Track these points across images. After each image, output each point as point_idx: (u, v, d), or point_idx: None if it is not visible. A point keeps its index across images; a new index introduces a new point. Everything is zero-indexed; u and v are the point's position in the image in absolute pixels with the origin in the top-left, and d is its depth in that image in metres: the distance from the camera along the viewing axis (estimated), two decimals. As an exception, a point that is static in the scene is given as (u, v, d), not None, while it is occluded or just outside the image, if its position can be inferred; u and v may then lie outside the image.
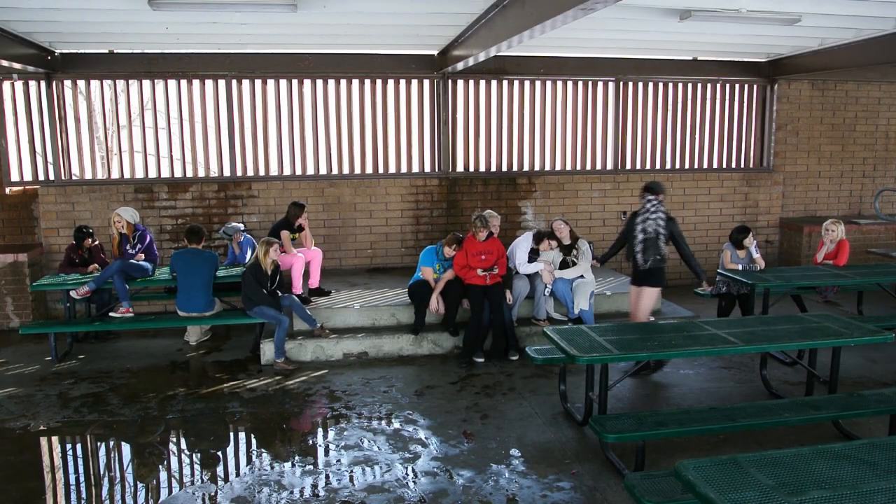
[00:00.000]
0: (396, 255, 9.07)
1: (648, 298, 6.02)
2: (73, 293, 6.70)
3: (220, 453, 4.86)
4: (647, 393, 5.86)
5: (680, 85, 9.62)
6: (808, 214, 10.28)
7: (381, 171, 8.99)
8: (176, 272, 6.77)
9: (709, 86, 9.71)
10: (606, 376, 4.69)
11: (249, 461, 4.74)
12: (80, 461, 4.84)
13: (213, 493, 4.27)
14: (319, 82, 8.69)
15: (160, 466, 4.66)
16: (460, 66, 7.93)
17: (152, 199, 8.46)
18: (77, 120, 8.39)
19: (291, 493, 4.25)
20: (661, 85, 9.57)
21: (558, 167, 9.45)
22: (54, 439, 5.12)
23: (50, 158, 8.32)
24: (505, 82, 9.10)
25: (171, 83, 8.43)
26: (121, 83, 8.99)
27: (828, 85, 10.01)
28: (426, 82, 8.92)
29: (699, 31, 7.33)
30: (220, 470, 4.61)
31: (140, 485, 4.40)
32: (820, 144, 10.18)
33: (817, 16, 6.54)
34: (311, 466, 4.61)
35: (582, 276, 6.96)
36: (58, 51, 7.97)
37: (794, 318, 5.39)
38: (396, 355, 6.85)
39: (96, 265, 7.15)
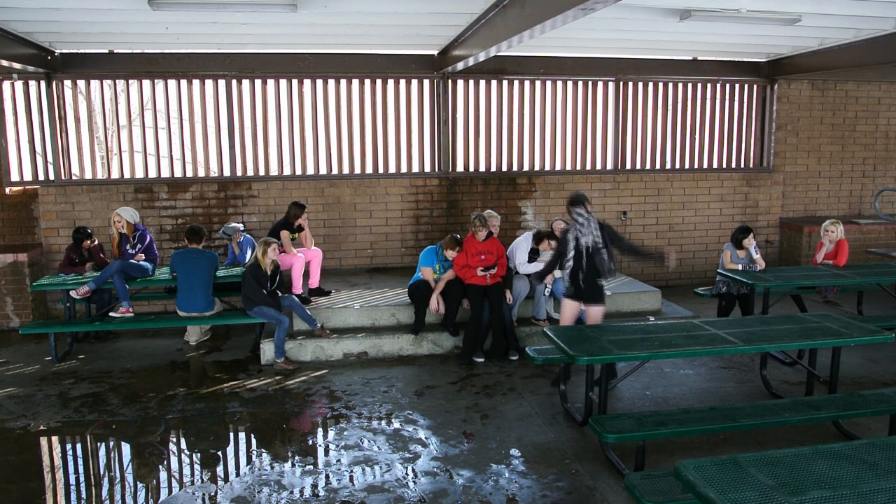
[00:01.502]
0: (396, 255, 9.07)
1: (594, 318, 5.66)
2: (73, 293, 6.70)
3: (220, 453, 4.86)
4: (646, 393, 5.87)
5: (680, 85, 9.62)
6: (808, 214, 10.29)
7: (381, 171, 8.99)
8: (176, 272, 6.77)
9: (709, 86, 9.71)
10: (606, 376, 4.69)
11: (249, 461, 4.74)
12: (80, 461, 4.84)
13: (213, 493, 4.27)
14: (319, 82, 8.69)
15: (160, 466, 4.66)
16: (460, 66, 7.93)
17: (152, 199, 8.46)
18: (77, 120, 8.39)
19: (291, 493, 4.25)
20: (661, 85, 9.57)
21: (558, 167, 9.45)
22: (54, 439, 5.12)
23: (50, 158, 8.31)
24: (505, 82, 9.10)
25: (171, 83, 8.43)
26: (121, 83, 8.99)
27: (828, 85, 10.01)
28: (426, 82, 8.92)
29: (699, 31, 7.33)
30: (220, 470, 4.61)
31: (140, 485, 4.40)
32: (820, 144, 10.18)
33: (817, 16, 6.54)
34: (311, 466, 4.61)
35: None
36: (58, 51, 7.97)
37: (794, 318, 5.39)
38: (396, 355, 6.85)
39: (95, 266, 7.15)
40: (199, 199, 8.56)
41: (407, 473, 4.49)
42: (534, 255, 7.08)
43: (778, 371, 6.32)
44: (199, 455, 4.82)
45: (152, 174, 8.68)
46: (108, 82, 10.08)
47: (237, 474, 4.53)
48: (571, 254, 5.56)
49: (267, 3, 5.68)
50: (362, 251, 9.01)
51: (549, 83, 9.22)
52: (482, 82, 9.05)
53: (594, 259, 5.50)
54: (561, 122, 9.35)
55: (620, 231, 5.53)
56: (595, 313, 5.67)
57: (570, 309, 5.75)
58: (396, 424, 5.26)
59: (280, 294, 6.65)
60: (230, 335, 7.70)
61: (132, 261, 6.86)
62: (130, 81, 8.86)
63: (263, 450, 4.90)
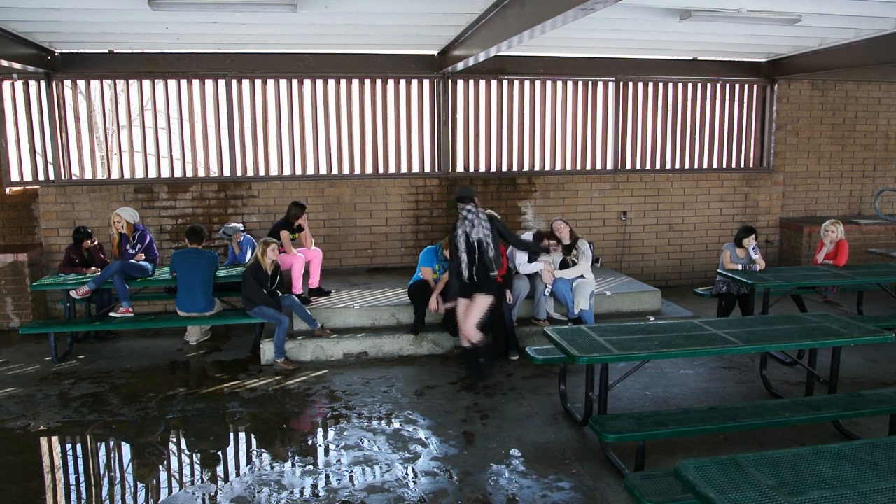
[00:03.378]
0: (396, 255, 9.07)
1: (482, 307, 5.70)
2: (73, 293, 6.70)
3: (220, 453, 4.86)
4: (646, 393, 5.86)
5: (680, 85, 9.62)
6: (808, 214, 10.29)
7: (381, 171, 8.99)
8: (176, 272, 6.78)
9: (709, 86, 9.71)
10: (606, 376, 4.69)
11: (249, 461, 4.74)
12: (80, 461, 4.84)
13: (213, 493, 4.27)
14: (319, 82, 8.69)
15: (160, 466, 4.66)
16: (460, 66, 7.93)
17: (152, 199, 8.46)
18: (77, 120, 8.39)
19: (291, 493, 4.25)
20: (661, 85, 9.57)
21: (558, 167, 9.44)
22: (54, 439, 5.12)
23: (50, 158, 8.31)
24: (505, 82, 9.10)
25: (171, 83, 8.43)
26: (121, 83, 8.98)
27: (828, 85, 10.01)
28: (426, 82, 8.92)
29: (699, 31, 7.33)
30: (220, 470, 4.61)
31: (140, 485, 4.40)
32: (820, 144, 10.18)
33: (817, 16, 6.54)
34: (311, 466, 4.61)
35: (582, 276, 6.96)
36: (58, 51, 7.96)
37: (794, 318, 5.39)
38: (396, 355, 6.85)
39: (96, 268, 7.14)
40: (199, 199, 8.56)
41: (407, 473, 4.49)
42: (534, 256, 7.07)
43: (778, 371, 6.32)
44: (199, 455, 4.82)
45: (152, 174, 8.68)
46: (108, 82, 10.07)
47: (237, 474, 4.53)
48: (463, 248, 5.61)
49: (267, 3, 5.68)
50: (362, 251, 9.01)
51: (549, 83, 9.22)
52: (482, 82, 9.04)
53: (485, 253, 5.59)
54: (561, 122, 9.35)
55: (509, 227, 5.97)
56: (482, 302, 5.70)
57: (463, 308, 5.82)
58: (396, 424, 5.26)
59: (280, 294, 6.65)
60: (230, 335, 7.69)
61: (132, 261, 6.86)
62: (130, 81, 8.87)
63: (263, 450, 4.90)
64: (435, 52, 8.59)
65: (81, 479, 4.55)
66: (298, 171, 8.80)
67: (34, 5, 5.86)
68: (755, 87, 9.84)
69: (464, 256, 5.62)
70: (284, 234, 7.22)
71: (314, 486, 4.34)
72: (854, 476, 2.70)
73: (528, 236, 7.17)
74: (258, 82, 8.57)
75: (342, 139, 8.85)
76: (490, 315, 6.60)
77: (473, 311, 5.72)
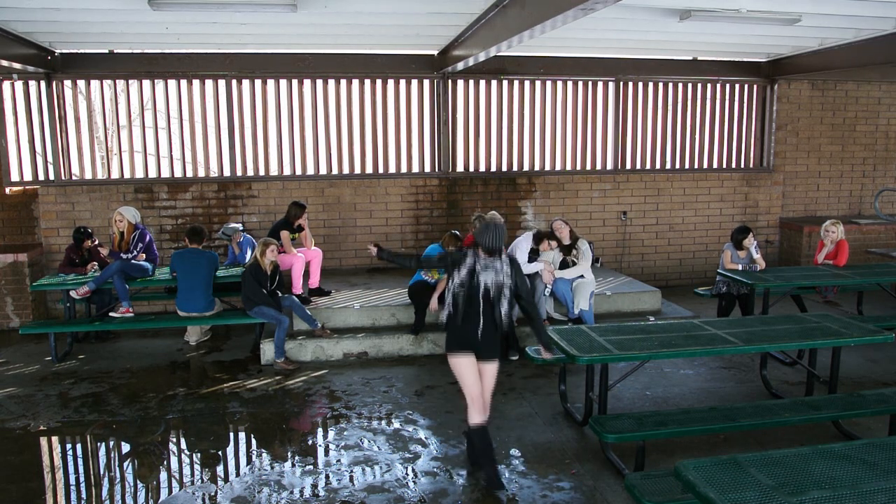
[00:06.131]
0: (396, 255, 9.06)
1: (493, 374, 4.37)
2: (73, 293, 6.70)
3: (220, 453, 4.86)
4: (646, 393, 5.86)
5: (680, 85, 9.62)
6: (808, 214, 10.28)
7: (381, 171, 8.99)
8: (176, 272, 6.78)
9: (709, 86, 9.71)
10: (606, 376, 4.69)
11: (249, 461, 4.74)
12: (80, 461, 4.84)
13: (213, 493, 4.27)
14: (319, 82, 8.69)
15: (160, 466, 4.66)
16: (460, 66, 7.93)
17: (152, 199, 8.46)
18: (77, 120, 8.39)
19: (291, 493, 4.25)
20: (661, 85, 9.57)
21: (558, 167, 9.44)
22: (54, 439, 5.12)
23: (50, 158, 8.31)
24: (505, 82, 9.09)
25: (171, 83, 8.43)
26: (121, 83, 8.98)
27: (828, 85, 10.01)
28: (426, 82, 8.92)
29: (699, 31, 7.33)
30: (220, 470, 4.61)
31: (140, 485, 4.40)
32: (820, 144, 10.18)
33: (817, 16, 6.54)
34: (311, 466, 4.61)
35: (582, 276, 6.96)
36: (58, 51, 7.96)
37: (794, 318, 5.39)
38: (396, 355, 6.85)
39: (95, 263, 7.14)
40: (199, 199, 8.56)
41: (407, 473, 4.49)
42: (534, 255, 7.07)
43: (778, 371, 6.32)
44: (199, 455, 4.82)
45: (152, 174, 8.67)
46: (108, 82, 10.07)
47: (237, 474, 4.53)
48: (457, 282, 4.18)
49: (267, 3, 5.68)
50: (362, 251, 9.00)
51: (549, 83, 9.22)
52: (482, 82, 9.04)
53: (495, 305, 4.19)
54: (561, 122, 9.35)
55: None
56: (492, 372, 4.34)
57: (468, 369, 4.24)
58: (396, 424, 5.26)
59: (280, 294, 6.65)
60: (230, 335, 7.69)
61: (133, 261, 6.86)
62: (130, 81, 8.87)
63: (263, 450, 4.90)
64: (435, 52, 8.59)
65: (81, 479, 4.55)
66: (298, 171, 8.80)
67: (34, 5, 5.86)
68: (755, 87, 9.83)
69: (504, 303, 4.20)
70: (284, 234, 7.22)
71: (314, 486, 4.34)
72: (854, 476, 2.70)
73: (527, 236, 7.18)
74: (258, 82, 8.57)
75: (342, 139, 8.85)
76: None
77: (486, 382, 4.34)
